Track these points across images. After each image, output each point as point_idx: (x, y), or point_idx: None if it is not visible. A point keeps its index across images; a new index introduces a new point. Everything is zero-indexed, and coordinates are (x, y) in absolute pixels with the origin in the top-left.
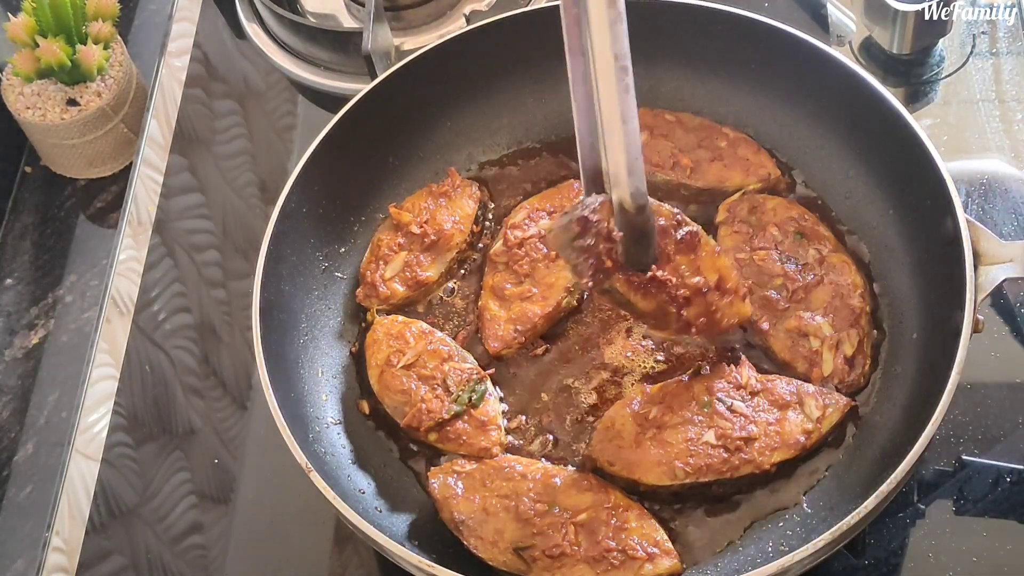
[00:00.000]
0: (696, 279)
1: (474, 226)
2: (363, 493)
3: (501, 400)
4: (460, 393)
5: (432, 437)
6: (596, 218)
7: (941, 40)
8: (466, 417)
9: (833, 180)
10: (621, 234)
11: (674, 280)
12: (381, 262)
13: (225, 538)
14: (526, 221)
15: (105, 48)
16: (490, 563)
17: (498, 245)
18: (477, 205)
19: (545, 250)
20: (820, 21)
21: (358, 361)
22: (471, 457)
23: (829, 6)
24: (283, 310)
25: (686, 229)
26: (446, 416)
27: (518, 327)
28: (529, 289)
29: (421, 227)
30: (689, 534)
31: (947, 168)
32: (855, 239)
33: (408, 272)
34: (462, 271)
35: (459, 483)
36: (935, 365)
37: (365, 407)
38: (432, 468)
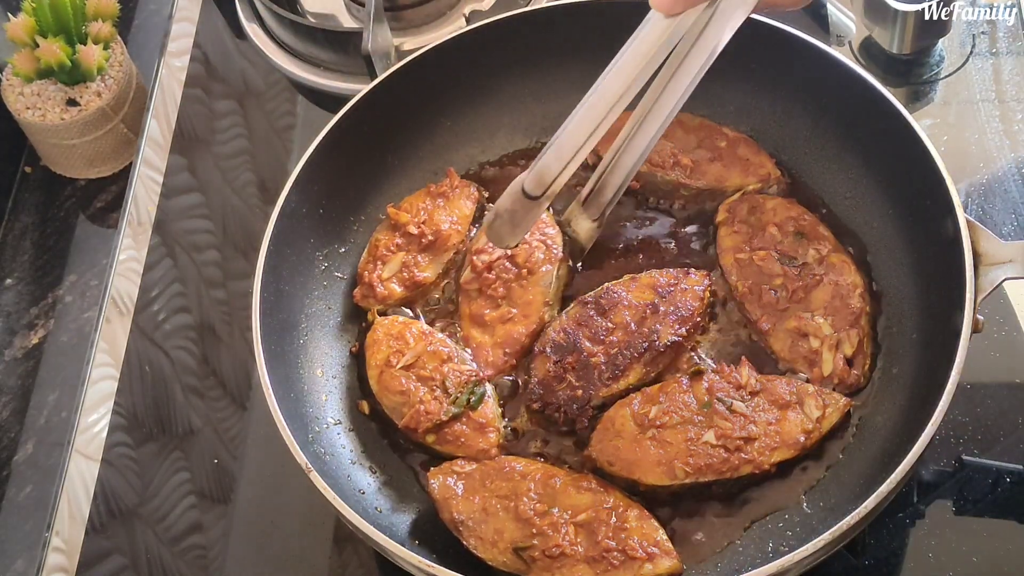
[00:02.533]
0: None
1: (472, 226)
2: (363, 493)
3: (500, 401)
4: (459, 395)
5: (430, 439)
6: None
7: (941, 40)
8: (464, 419)
9: (833, 180)
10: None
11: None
12: (379, 262)
13: (225, 538)
14: (489, 244)
15: (105, 48)
16: (490, 563)
17: (466, 273)
18: (475, 205)
19: (515, 269)
20: (820, 21)
21: (358, 361)
22: (469, 458)
23: (829, 6)
24: (283, 310)
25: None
26: (444, 418)
27: (506, 350)
28: (508, 311)
29: (419, 227)
30: (689, 534)
31: (947, 168)
32: (855, 239)
33: (406, 272)
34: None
35: (459, 483)
36: (935, 365)
37: (365, 407)
38: (432, 469)
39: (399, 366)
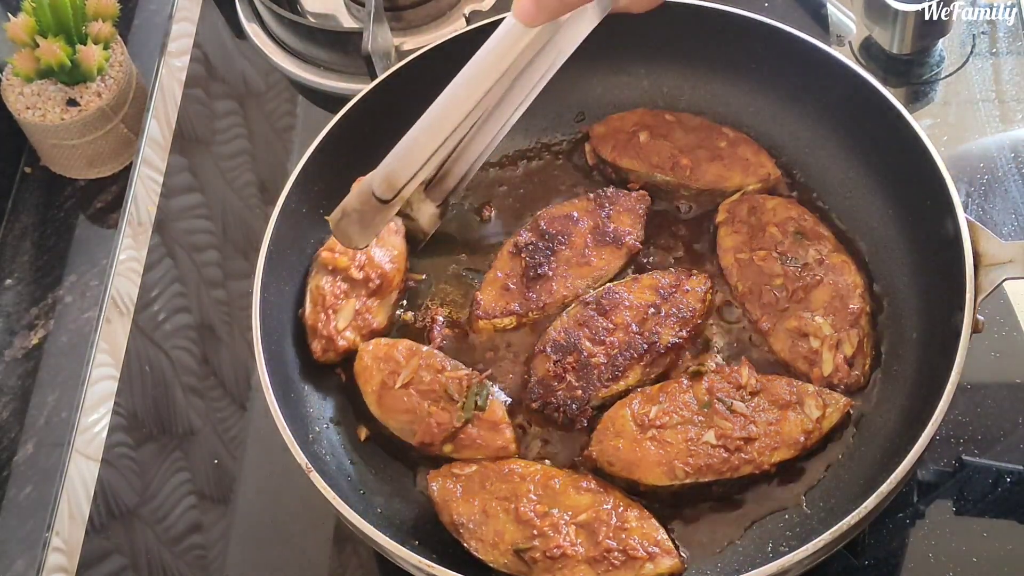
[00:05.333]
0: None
1: (407, 261)
2: (363, 493)
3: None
4: (465, 399)
5: (448, 448)
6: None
7: (941, 40)
8: (476, 421)
9: (833, 180)
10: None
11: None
12: (329, 311)
13: (225, 538)
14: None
15: (105, 48)
16: (491, 565)
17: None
18: (405, 241)
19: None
20: (820, 21)
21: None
22: (482, 460)
23: (829, 6)
24: (283, 310)
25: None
26: (457, 424)
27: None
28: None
29: (362, 270)
30: (689, 534)
31: (947, 168)
32: (855, 239)
33: (360, 320)
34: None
35: (458, 486)
36: (935, 365)
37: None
38: (431, 471)
39: (398, 385)
